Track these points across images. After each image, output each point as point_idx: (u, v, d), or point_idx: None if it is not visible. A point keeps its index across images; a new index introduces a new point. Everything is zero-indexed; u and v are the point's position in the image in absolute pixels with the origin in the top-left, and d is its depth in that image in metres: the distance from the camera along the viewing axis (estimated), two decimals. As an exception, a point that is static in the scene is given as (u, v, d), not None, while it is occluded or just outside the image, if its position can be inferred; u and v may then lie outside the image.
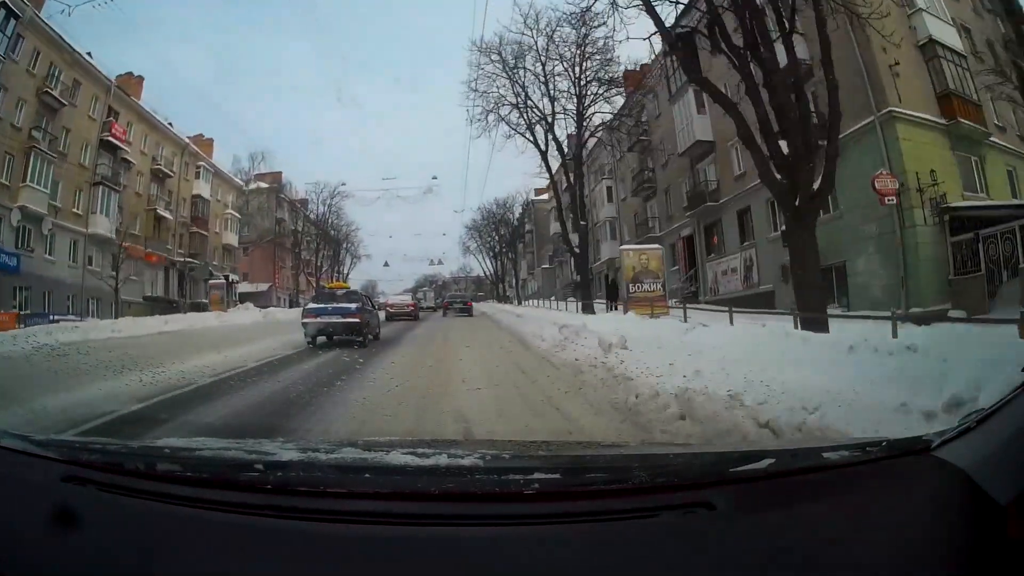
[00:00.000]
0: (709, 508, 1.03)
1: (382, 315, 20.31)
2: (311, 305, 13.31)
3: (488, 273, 61.26)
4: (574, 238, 25.60)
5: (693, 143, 24.95)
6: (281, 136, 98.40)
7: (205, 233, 40.36)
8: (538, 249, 59.41)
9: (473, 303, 35.52)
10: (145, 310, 28.82)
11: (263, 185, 47.98)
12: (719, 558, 0.94)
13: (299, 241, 49.27)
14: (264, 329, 15.89)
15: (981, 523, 0.97)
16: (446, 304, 32.14)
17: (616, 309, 21.35)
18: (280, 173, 49.71)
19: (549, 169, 26.34)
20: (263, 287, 47.66)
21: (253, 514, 1.09)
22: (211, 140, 43.88)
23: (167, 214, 36.14)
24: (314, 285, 46.69)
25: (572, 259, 49.63)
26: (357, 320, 12.10)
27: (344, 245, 53.94)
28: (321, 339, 11.91)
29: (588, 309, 21.48)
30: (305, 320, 12.21)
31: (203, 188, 40.59)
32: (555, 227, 54.14)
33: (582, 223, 23.94)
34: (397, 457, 1.30)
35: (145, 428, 4.56)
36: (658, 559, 0.95)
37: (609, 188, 38.75)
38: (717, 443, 3.45)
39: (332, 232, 51.19)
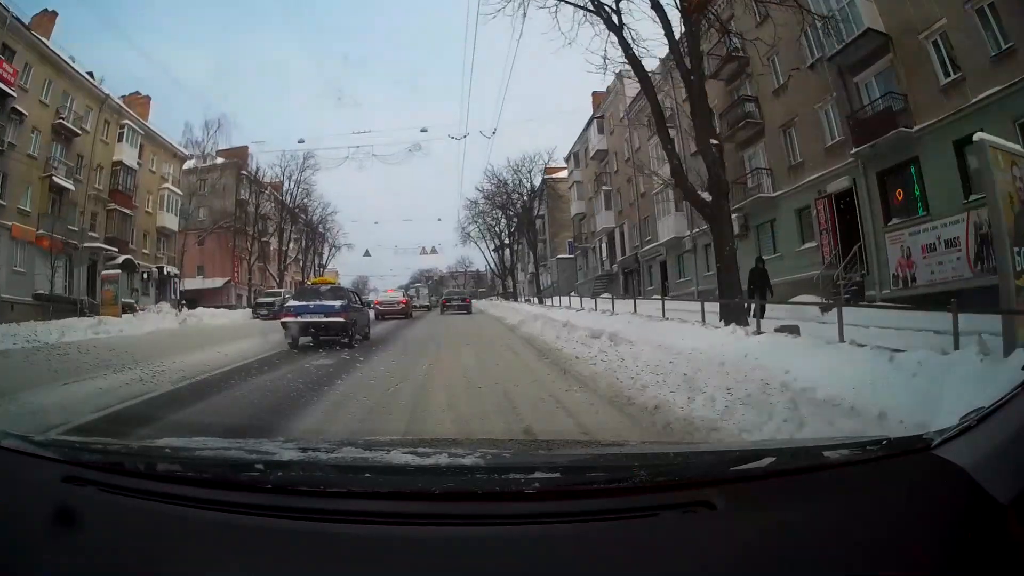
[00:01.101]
0: (709, 507, 1.03)
1: (372, 314, 18.57)
2: (292, 303, 12.30)
3: (495, 264, 49.69)
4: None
5: (859, 35, 15.22)
6: (245, 104, 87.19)
7: (128, 211, 30.95)
8: (552, 237, 48.81)
9: (473, 300, 34.63)
10: (33, 312, 21.62)
11: (220, 160, 38.92)
12: (719, 558, 0.94)
13: (259, 224, 40.83)
14: (159, 348, 10.57)
15: (981, 522, 0.97)
16: (444, 301, 30.85)
17: (763, 316, 10.46)
18: (246, 148, 40.71)
19: (630, 55, 12.58)
20: (219, 283, 39.81)
21: (253, 514, 1.09)
22: (147, 98, 34.50)
23: (67, 183, 26.73)
24: (275, 279, 40.66)
25: (605, 243, 39.98)
26: (342, 319, 11.28)
27: (320, 230, 45.58)
28: (305, 340, 11.15)
29: (736, 318, 10.15)
30: (285, 319, 11.50)
31: (128, 154, 30.92)
32: (577, 207, 43.04)
33: (713, 144, 11.89)
34: (397, 456, 1.30)
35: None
36: (658, 559, 0.95)
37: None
38: (717, 442, 3.34)
39: (303, 216, 43.05)
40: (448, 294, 34.14)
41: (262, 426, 4.78)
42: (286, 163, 40.74)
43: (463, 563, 0.95)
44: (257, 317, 24.08)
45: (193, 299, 31.83)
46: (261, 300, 27.91)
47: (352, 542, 1.00)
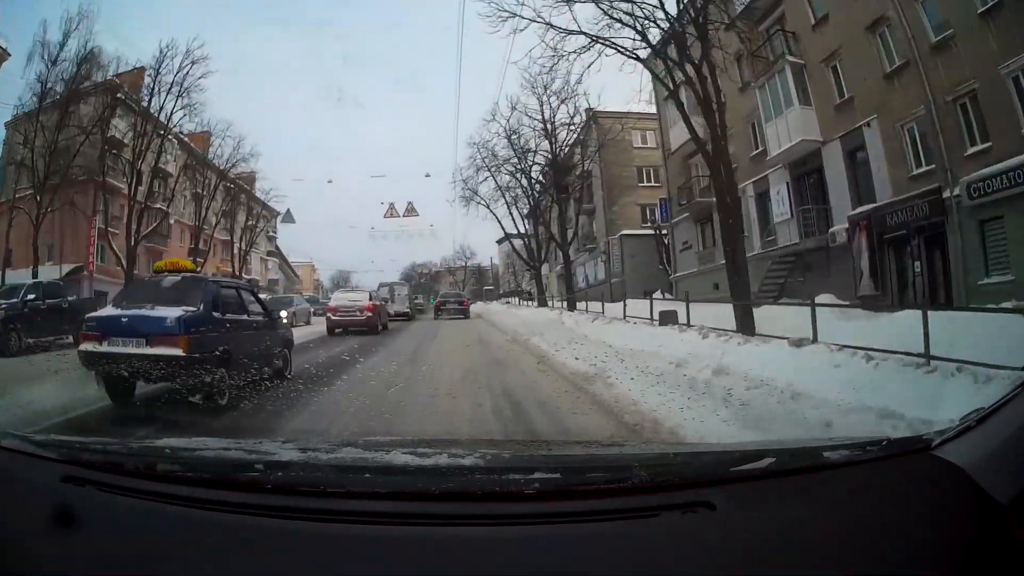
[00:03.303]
0: (709, 508, 1.03)
1: (314, 329, 14.49)
2: (97, 313, 7.08)
3: (527, 242, 33.01)
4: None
5: None
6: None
7: None
8: (608, 205, 31.35)
9: (480, 302, 33.64)
10: None
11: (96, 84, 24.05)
12: (719, 558, 0.95)
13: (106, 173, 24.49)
14: None
15: (981, 522, 0.98)
16: (438, 304, 28.69)
17: None
18: (143, 70, 25.47)
19: None
20: (61, 273, 22.93)
21: (253, 514, 1.09)
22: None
23: None
24: (123, 265, 24.38)
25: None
26: (179, 352, 5.78)
27: (231, 177, 30.35)
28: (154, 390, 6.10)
29: None
30: (83, 347, 6.19)
31: None
32: (682, 133, 18.23)
33: None
34: (397, 457, 1.30)
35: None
36: (658, 559, 0.96)
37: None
38: (717, 443, 3.37)
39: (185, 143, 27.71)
40: (443, 296, 32.24)
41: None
42: (163, 55, 24.54)
43: (463, 563, 0.95)
44: None
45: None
46: None
47: (352, 542, 1.01)
